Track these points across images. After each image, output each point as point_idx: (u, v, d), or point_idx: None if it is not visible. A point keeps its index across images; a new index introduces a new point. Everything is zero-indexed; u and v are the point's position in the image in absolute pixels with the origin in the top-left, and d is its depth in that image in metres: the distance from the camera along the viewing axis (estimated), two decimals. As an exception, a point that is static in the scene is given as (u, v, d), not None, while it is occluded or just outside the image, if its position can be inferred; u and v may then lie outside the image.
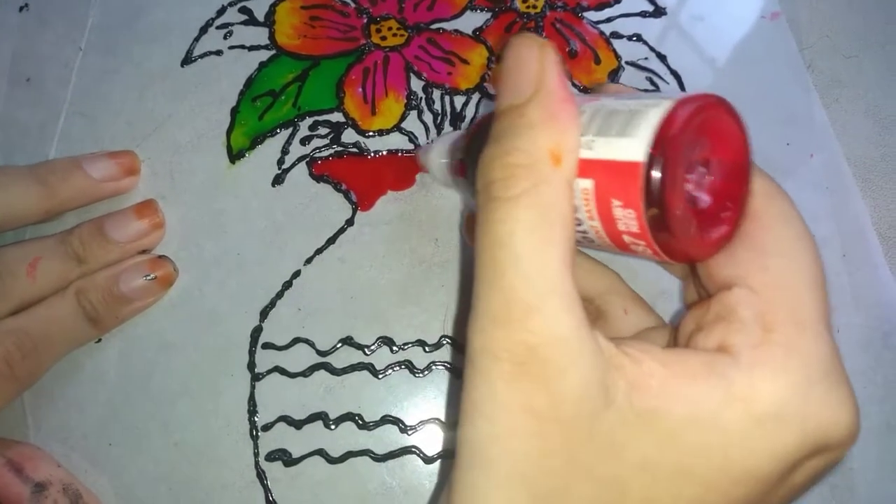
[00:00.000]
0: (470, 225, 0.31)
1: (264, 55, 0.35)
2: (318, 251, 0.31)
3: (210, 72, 0.34)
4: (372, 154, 0.33)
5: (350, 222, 0.31)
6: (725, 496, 0.16)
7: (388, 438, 0.28)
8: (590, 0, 0.37)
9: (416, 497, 0.27)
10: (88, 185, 0.30)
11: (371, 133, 0.33)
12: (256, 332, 0.29)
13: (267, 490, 0.27)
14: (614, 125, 0.17)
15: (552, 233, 0.16)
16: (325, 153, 0.33)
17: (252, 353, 0.29)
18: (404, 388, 0.29)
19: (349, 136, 0.33)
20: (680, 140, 0.16)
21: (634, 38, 0.37)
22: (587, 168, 0.17)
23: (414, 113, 0.34)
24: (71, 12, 0.36)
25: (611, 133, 0.17)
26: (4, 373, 0.25)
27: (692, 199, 0.17)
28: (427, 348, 0.29)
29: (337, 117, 0.33)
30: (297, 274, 0.30)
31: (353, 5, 0.36)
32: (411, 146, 0.33)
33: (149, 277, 0.29)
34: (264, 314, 0.30)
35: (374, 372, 0.29)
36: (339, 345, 0.29)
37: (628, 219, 0.16)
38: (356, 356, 0.29)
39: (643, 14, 0.37)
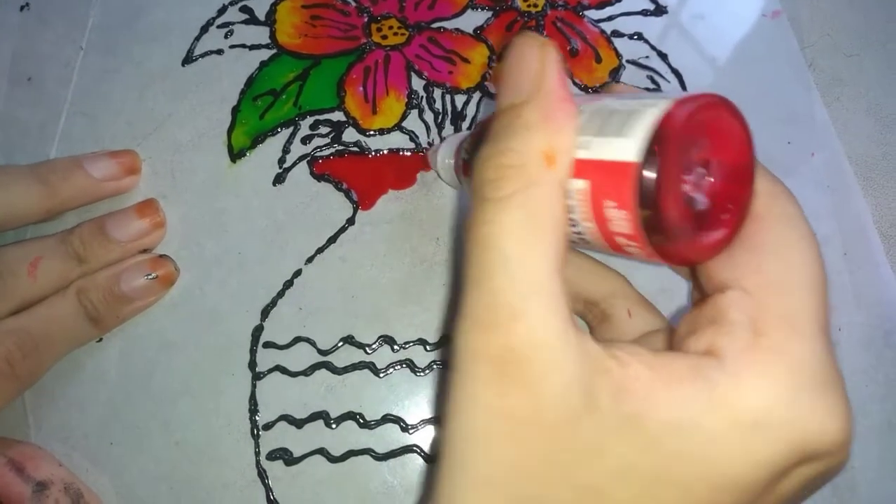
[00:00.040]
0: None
1: (265, 54, 0.35)
2: (320, 250, 0.31)
3: (211, 71, 0.34)
4: (373, 153, 0.33)
5: (351, 221, 0.31)
6: None
7: (390, 437, 0.28)
8: (590, -1, 0.37)
9: (417, 496, 0.27)
10: (89, 184, 0.30)
11: (372, 132, 0.33)
12: (257, 331, 0.29)
13: (268, 489, 0.27)
14: (612, 125, 0.16)
15: (541, 235, 0.15)
16: (326, 152, 0.33)
17: (253, 352, 0.29)
18: (405, 387, 0.29)
19: (350, 135, 0.33)
20: (675, 140, 0.15)
21: (635, 37, 0.36)
22: (583, 168, 0.16)
23: (415, 112, 0.34)
24: (71, 12, 0.36)
25: (607, 133, 0.16)
26: (5, 372, 0.25)
27: (689, 201, 0.17)
28: (428, 347, 0.29)
29: (338, 116, 0.33)
30: (298, 273, 0.30)
31: (353, 4, 0.36)
32: (412, 145, 0.33)
33: (150, 277, 0.29)
34: (265, 313, 0.30)
35: (376, 371, 0.29)
36: (341, 344, 0.29)
37: (621, 220, 0.16)
38: (357, 355, 0.29)
39: (644, 13, 0.37)
